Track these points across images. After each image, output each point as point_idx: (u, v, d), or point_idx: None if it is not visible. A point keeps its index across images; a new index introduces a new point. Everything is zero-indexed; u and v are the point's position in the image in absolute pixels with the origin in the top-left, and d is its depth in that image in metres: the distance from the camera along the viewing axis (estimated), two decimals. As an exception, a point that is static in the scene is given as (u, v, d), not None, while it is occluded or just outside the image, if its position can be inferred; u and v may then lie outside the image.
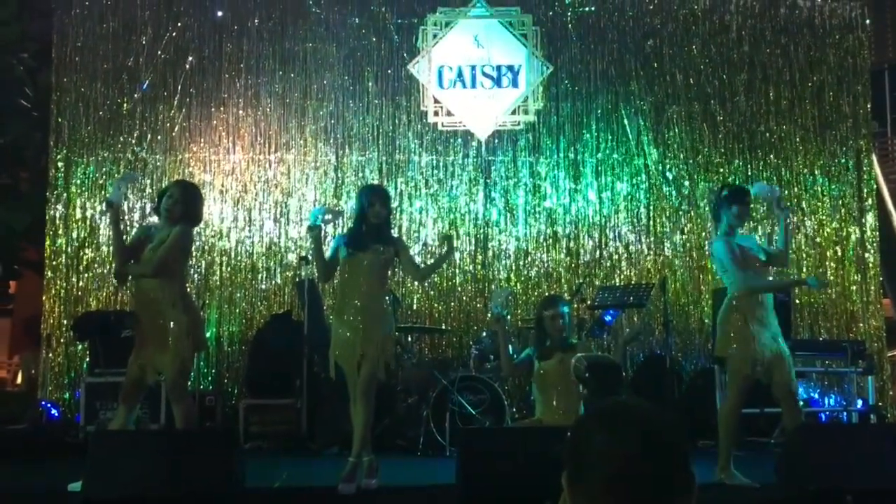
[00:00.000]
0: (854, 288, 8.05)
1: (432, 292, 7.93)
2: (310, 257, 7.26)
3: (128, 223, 7.60)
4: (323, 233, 5.31)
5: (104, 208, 5.47)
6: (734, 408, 4.87)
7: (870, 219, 8.17)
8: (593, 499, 1.29)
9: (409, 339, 7.25)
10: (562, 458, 1.34)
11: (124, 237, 4.87)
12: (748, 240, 5.07)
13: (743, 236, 5.05)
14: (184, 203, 4.70)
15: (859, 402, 7.03)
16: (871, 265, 8.12)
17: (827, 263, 8.00)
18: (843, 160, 8.21)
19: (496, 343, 5.44)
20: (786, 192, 8.07)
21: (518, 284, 7.91)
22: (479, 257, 7.99)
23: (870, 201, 8.21)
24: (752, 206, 4.97)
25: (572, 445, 1.33)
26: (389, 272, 5.22)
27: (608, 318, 6.75)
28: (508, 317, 5.53)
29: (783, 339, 4.89)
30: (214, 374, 7.68)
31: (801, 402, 6.63)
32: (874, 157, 8.68)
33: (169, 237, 4.59)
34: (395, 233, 5.53)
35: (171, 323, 4.56)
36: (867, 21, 8.38)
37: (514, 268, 7.99)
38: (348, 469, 4.63)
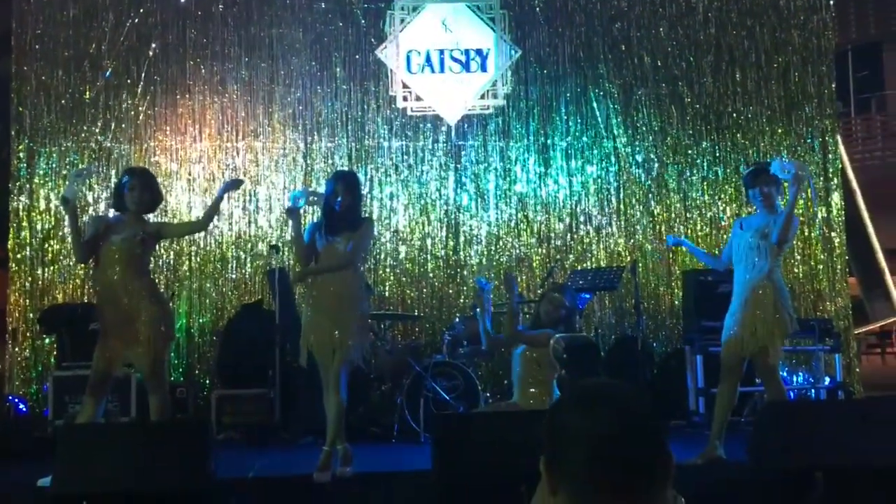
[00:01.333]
0: (821, 267, 8.15)
1: (404, 279, 7.91)
2: (280, 245, 7.23)
3: (92, 213, 7.50)
4: (302, 215, 5.25)
5: (60, 204, 5.38)
6: None
7: (835, 198, 8.27)
8: (572, 481, 1.28)
9: (382, 326, 7.22)
10: (541, 441, 1.34)
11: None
12: (758, 218, 5.03)
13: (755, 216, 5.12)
14: (147, 189, 4.69)
15: (827, 380, 7.14)
16: (836, 245, 8.22)
17: (794, 243, 8.08)
18: (808, 140, 8.29)
19: (480, 314, 5.43)
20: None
21: (490, 270, 7.91)
22: (451, 243, 7.97)
23: (835, 181, 8.31)
24: (772, 184, 4.92)
25: (549, 428, 1.33)
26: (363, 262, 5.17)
27: (580, 302, 6.78)
28: (490, 289, 5.53)
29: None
30: (185, 366, 7.60)
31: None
32: (839, 138, 8.78)
33: (178, 226, 4.60)
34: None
35: (143, 315, 4.51)
36: (831, 2, 8.45)
37: (485, 253, 7.99)
38: (323, 458, 4.62)
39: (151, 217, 4.96)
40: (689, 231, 8.09)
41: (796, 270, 8.09)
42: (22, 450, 5.89)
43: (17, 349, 7.44)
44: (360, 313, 4.82)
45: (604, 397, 1.33)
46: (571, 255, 7.99)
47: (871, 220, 12.99)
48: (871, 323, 13.46)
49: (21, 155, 7.65)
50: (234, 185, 5.12)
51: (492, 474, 3.77)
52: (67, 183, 4.89)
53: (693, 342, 6.75)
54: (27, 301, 7.51)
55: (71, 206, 4.65)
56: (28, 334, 7.47)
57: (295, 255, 5.31)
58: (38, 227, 7.60)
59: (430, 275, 7.92)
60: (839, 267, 8.18)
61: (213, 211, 4.94)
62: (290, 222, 4.99)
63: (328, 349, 4.68)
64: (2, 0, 8.14)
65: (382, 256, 7.87)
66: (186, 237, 7.51)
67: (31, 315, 7.43)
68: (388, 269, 7.88)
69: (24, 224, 7.59)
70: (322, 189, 5.40)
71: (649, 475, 1.29)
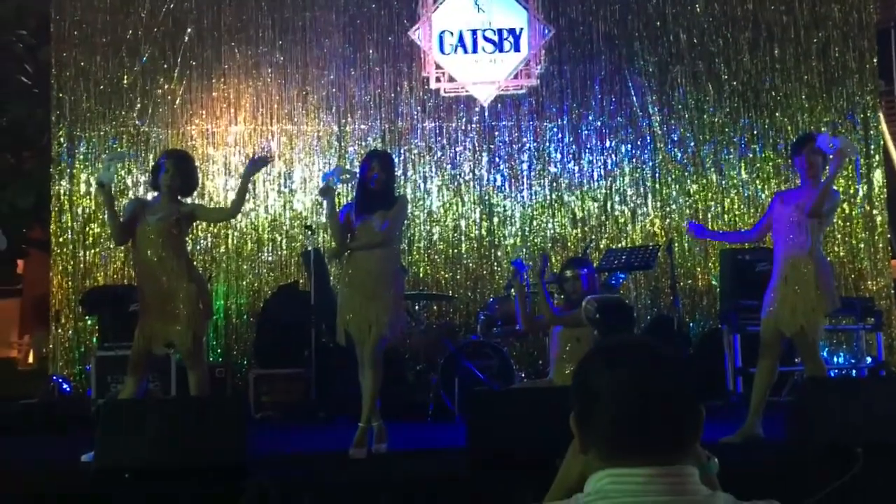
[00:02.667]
0: (861, 246, 8.00)
1: (438, 260, 7.92)
2: (315, 227, 7.28)
3: (131, 197, 7.61)
4: (336, 195, 5.27)
5: (96, 187, 5.45)
6: None
7: (877, 175, 8.11)
8: (601, 436, 1.28)
9: (417, 306, 7.25)
10: (570, 397, 1.34)
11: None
12: (799, 192, 4.95)
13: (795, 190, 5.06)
14: (180, 174, 4.74)
15: (868, 360, 7.03)
16: (878, 223, 8.07)
17: (834, 221, 7.93)
18: (849, 117, 8.12)
19: (518, 296, 5.49)
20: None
21: (525, 250, 7.89)
22: (485, 223, 7.96)
23: (877, 158, 8.15)
24: (818, 153, 4.83)
25: (579, 384, 1.32)
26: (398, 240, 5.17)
27: (615, 281, 6.74)
28: (526, 270, 5.58)
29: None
30: (223, 347, 7.71)
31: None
32: (881, 114, 8.60)
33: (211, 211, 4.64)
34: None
35: (181, 293, 4.59)
36: (872, -26, 8.26)
37: (519, 233, 7.97)
38: (358, 434, 4.66)
39: (189, 199, 5.03)
40: (727, 210, 7.99)
41: (837, 249, 7.95)
42: (67, 428, 6.04)
43: (60, 331, 7.60)
44: (395, 291, 4.84)
45: (632, 351, 1.33)
46: (606, 236, 7.93)
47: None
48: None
49: (61, 140, 7.78)
50: (260, 164, 5.09)
51: (526, 449, 3.78)
52: (102, 167, 4.96)
53: (730, 321, 6.68)
54: (69, 283, 7.66)
55: (106, 189, 4.72)
56: (71, 316, 7.62)
57: (331, 233, 5.34)
58: (80, 210, 7.74)
59: (464, 256, 7.93)
60: (881, 245, 8.03)
61: (241, 196, 4.91)
62: (325, 202, 5.01)
63: (364, 326, 4.71)
64: (40, -13, 8.28)
65: (416, 238, 7.88)
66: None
67: (73, 297, 7.58)
68: (422, 251, 7.89)
69: (66, 208, 7.73)
70: (355, 169, 5.43)
71: (679, 429, 1.29)
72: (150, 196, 5.33)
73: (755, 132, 8.08)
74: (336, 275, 6.89)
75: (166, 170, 4.72)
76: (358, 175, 4.93)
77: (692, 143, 8.08)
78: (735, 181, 8.06)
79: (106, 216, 5.12)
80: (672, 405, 1.27)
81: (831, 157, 4.75)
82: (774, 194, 5.61)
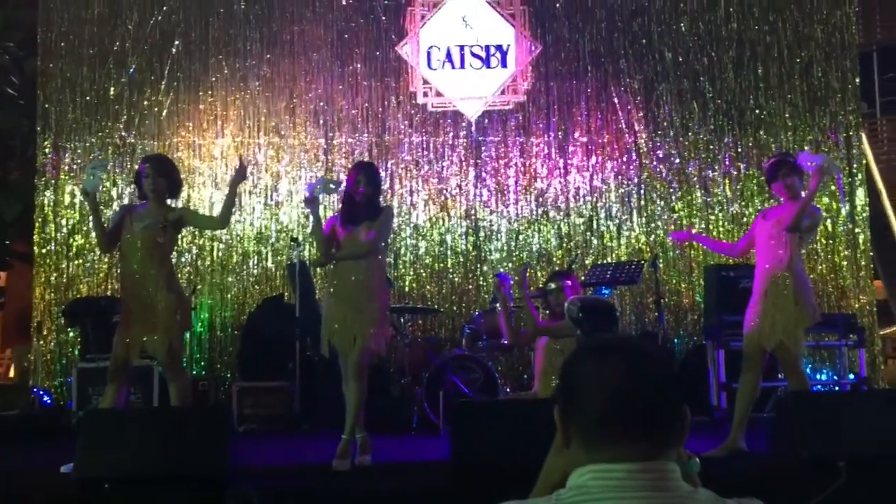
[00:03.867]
0: (844, 264, 8.07)
1: (424, 274, 7.92)
2: (301, 239, 7.27)
3: (116, 208, 7.59)
4: (321, 206, 5.28)
5: (81, 197, 5.42)
6: None
7: (860, 194, 8.18)
8: (585, 431, 1.28)
9: (402, 320, 7.22)
10: (555, 394, 1.34)
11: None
12: (781, 208, 5.00)
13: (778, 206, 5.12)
14: (163, 175, 4.71)
15: (851, 376, 7.07)
16: (860, 241, 8.13)
17: (817, 239, 8.00)
18: (832, 136, 8.21)
19: (503, 309, 5.50)
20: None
21: (510, 264, 7.91)
22: (471, 238, 7.98)
23: (860, 176, 8.23)
24: (794, 174, 4.89)
25: (564, 379, 1.33)
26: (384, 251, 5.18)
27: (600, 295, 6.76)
28: (511, 283, 5.60)
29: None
30: (207, 360, 7.66)
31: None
32: (863, 134, 8.69)
33: (200, 217, 4.61)
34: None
35: (159, 304, 4.56)
36: (854, -3, 8.37)
37: (505, 248, 7.98)
38: (342, 446, 4.64)
39: (179, 204, 5.02)
40: (712, 227, 8.05)
41: (820, 267, 8.01)
42: (46, 440, 5.98)
43: (41, 342, 7.54)
44: (381, 302, 4.83)
45: (618, 348, 1.33)
46: (592, 251, 7.96)
47: (896, 220, 12.83)
48: (896, 324, 13.27)
49: (46, 151, 7.76)
50: (242, 174, 5.05)
51: (510, 462, 3.76)
52: (85, 176, 4.95)
53: (715, 337, 6.70)
54: (52, 295, 7.61)
55: (91, 198, 4.70)
56: (53, 328, 7.56)
57: (315, 245, 5.34)
58: (63, 221, 7.69)
59: (450, 270, 7.93)
60: (863, 263, 8.09)
61: (228, 206, 4.91)
62: (310, 212, 5.00)
63: (349, 338, 4.69)
64: (28, 1, 8.27)
65: (402, 251, 7.89)
66: (208, 232, 7.60)
67: (55, 309, 7.52)
68: (407, 265, 7.90)
69: (50, 219, 7.69)
70: (341, 180, 5.43)
71: (662, 426, 1.29)
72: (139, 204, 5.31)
73: (739, 150, 8.15)
74: (321, 287, 6.89)
75: (147, 175, 4.71)
76: (343, 186, 4.93)
77: (677, 161, 8.14)
78: (720, 198, 8.12)
79: (92, 224, 5.08)
80: (656, 401, 1.28)
81: (810, 174, 4.80)
82: (759, 211, 5.66)
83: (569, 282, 5.66)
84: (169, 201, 4.84)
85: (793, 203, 4.84)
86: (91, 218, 5.01)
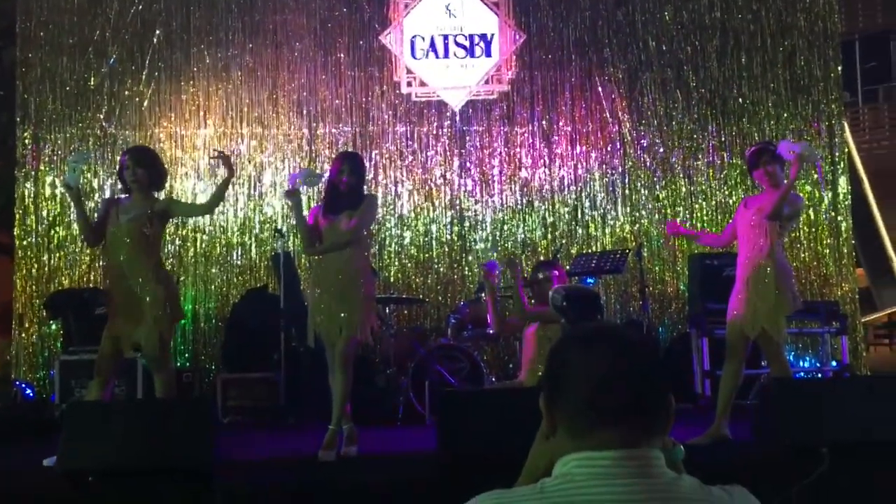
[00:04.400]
0: (827, 251, 8.12)
1: (409, 264, 7.91)
2: (285, 230, 7.24)
3: (97, 200, 7.54)
4: (303, 197, 5.25)
5: (63, 189, 5.36)
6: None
7: (842, 182, 8.23)
8: (571, 418, 1.28)
9: (387, 310, 7.21)
10: (541, 382, 1.34)
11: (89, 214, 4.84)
12: (762, 197, 5.02)
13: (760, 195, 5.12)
14: (143, 166, 4.67)
15: (833, 363, 7.12)
16: (843, 229, 8.18)
17: (800, 227, 8.05)
18: (814, 124, 8.25)
19: (490, 297, 5.50)
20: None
21: (494, 255, 7.89)
22: (456, 228, 7.97)
23: (842, 165, 8.27)
24: (775, 162, 4.91)
25: (550, 367, 1.32)
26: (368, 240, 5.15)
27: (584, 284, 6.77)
28: (498, 272, 5.60)
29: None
30: (191, 351, 7.62)
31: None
32: (846, 123, 8.73)
33: (186, 206, 4.87)
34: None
35: (147, 296, 4.53)
36: (837, -16, 8.41)
37: (490, 238, 7.98)
38: (328, 437, 4.63)
39: (163, 195, 4.99)
40: (695, 215, 8.08)
41: (803, 255, 8.06)
42: (29, 433, 5.93)
43: (23, 335, 7.48)
44: (365, 291, 4.81)
45: (604, 335, 1.33)
46: (577, 240, 7.97)
47: (878, 209, 12.94)
48: (879, 311, 13.40)
49: (26, 142, 7.67)
50: (230, 172, 4.99)
51: (497, 451, 3.77)
52: (67, 168, 4.90)
53: (698, 325, 6.73)
54: (33, 287, 7.54)
55: (74, 191, 4.66)
56: (34, 320, 7.50)
57: (299, 236, 5.30)
58: (44, 213, 7.62)
59: (436, 260, 7.92)
60: (846, 251, 8.14)
61: (217, 199, 4.92)
62: (291, 203, 4.97)
63: (334, 328, 4.68)
64: (6, -9, 8.17)
65: (387, 242, 7.87)
66: (192, 222, 7.56)
67: (37, 301, 7.46)
68: (392, 255, 7.88)
69: (31, 210, 7.61)
70: (324, 171, 5.41)
71: (647, 414, 1.29)
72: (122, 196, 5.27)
73: (723, 139, 8.18)
74: (306, 278, 6.87)
75: (128, 166, 4.67)
76: (327, 176, 4.91)
77: (661, 150, 8.15)
78: (703, 187, 8.15)
79: (75, 217, 5.04)
80: (641, 389, 1.28)
81: (791, 162, 4.83)
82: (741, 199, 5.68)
83: (555, 271, 5.67)
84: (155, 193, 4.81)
85: (773, 191, 4.86)
86: (74, 211, 4.95)
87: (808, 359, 7.84)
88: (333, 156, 7.65)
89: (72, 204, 5.31)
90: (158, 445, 3.87)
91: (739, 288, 4.89)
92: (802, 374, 7.60)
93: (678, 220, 8.01)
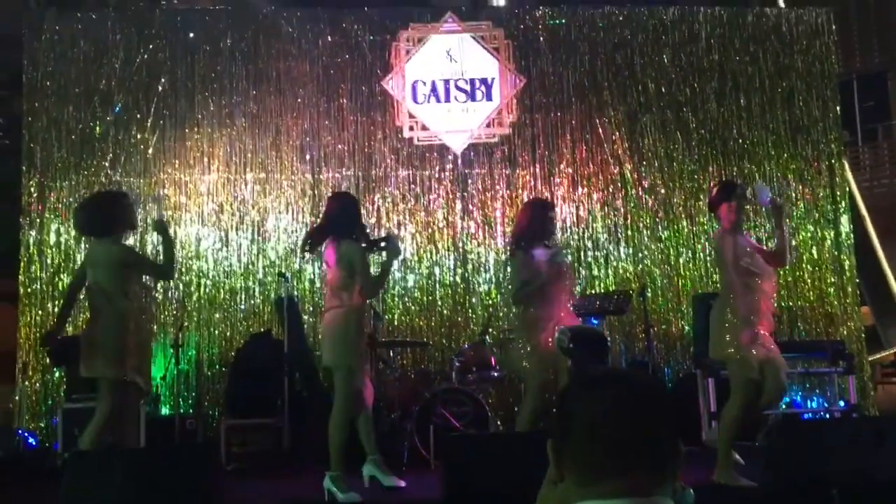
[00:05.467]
0: (832, 290, 8.11)
1: (413, 307, 7.89)
2: (288, 275, 7.25)
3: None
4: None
5: (155, 230, 5.46)
6: (740, 409, 4.84)
7: (844, 221, 8.25)
8: (578, 465, 1.27)
9: (391, 353, 7.19)
10: (549, 426, 1.33)
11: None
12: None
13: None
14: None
15: (841, 403, 7.06)
16: (846, 268, 8.18)
17: (804, 266, 8.05)
18: (815, 164, 8.29)
19: None
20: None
21: (498, 297, 7.90)
22: (459, 270, 7.97)
23: (843, 204, 8.30)
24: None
25: (558, 412, 1.31)
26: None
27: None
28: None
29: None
30: (195, 397, 7.58)
31: (784, 405, 6.68)
32: (846, 162, 8.78)
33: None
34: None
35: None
36: (833, 27, 8.50)
37: (493, 280, 7.98)
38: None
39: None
40: (697, 256, 8.08)
41: (808, 293, 8.04)
42: (31, 482, 5.88)
43: (27, 383, 7.44)
44: None
45: (611, 379, 1.32)
46: (580, 281, 7.96)
47: (881, 246, 12.92)
48: (885, 349, 13.30)
49: (32, 190, 7.72)
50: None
51: (504, 496, 3.72)
52: (155, 221, 5.27)
53: (704, 366, 6.69)
54: (37, 335, 7.51)
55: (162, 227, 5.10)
56: (38, 368, 7.46)
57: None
58: (49, 261, 7.64)
59: (439, 303, 7.91)
60: (850, 289, 8.13)
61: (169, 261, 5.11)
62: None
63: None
64: (13, 41, 8.28)
65: (391, 285, 7.86)
66: (195, 267, 7.59)
67: (40, 349, 7.43)
68: (396, 298, 7.87)
69: (35, 258, 7.63)
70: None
71: (656, 459, 1.27)
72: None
73: (724, 179, 8.20)
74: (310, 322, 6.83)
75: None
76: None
77: (662, 191, 8.19)
78: (706, 227, 8.16)
79: (163, 251, 5.14)
80: (650, 434, 1.27)
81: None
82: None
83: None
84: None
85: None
86: (165, 246, 5.09)
87: (815, 398, 7.78)
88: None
89: (161, 240, 5.42)
90: (160, 493, 3.84)
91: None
92: (810, 414, 7.54)
93: (681, 259, 8.03)
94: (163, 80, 7.92)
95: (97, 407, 4.70)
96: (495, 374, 6.59)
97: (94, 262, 4.83)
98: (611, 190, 8.17)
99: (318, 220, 5.14)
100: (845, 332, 7.94)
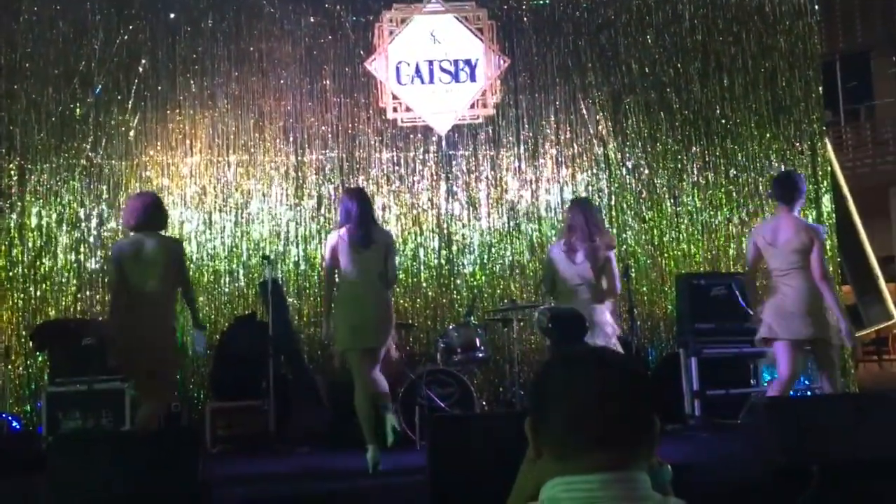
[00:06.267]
0: (813, 269, 8.14)
1: (397, 289, 7.88)
2: (272, 257, 7.24)
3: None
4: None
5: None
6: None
7: (825, 201, 8.30)
8: (556, 440, 1.28)
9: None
10: (527, 405, 1.34)
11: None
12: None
13: None
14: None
15: (823, 381, 7.12)
16: (828, 248, 8.22)
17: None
18: (797, 144, 8.33)
19: None
20: (743, 176, 8.20)
21: (483, 278, 7.92)
22: (444, 252, 7.98)
23: (825, 184, 8.35)
24: None
25: (535, 390, 1.33)
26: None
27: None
28: None
29: None
30: (180, 381, 7.54)
31: (766, 383, 6.75)
32: (828, 141, 8.82)
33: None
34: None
35: None
36: (816, 7, 8.52)
37: (478, 262, 7.99)
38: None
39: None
40: (681, 236, 8.12)
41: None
42: (15, 466, 5.85)
43: (10, 367, 7.40)
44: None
45: (588, 358, 1.34)
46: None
47: (863, 226, 13.03)
48: (865, 328, 13.44)
49: (12, 173, 7.64)
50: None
51: (488, 475, 3.74)
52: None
53: (687, 345, 6.75)
54: (20, 318, 7.48)
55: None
56: (21, 352, 7.43)
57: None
58: (30, 244, 7.58)
59: (424, 284, 7.92)
60: (831, 268, 8.16)
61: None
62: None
63: None
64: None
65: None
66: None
67: (23, 332, 7.39)
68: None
69: (16, 242, 7.57)
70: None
71: (632, 435, 1.29)
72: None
73: (707, 160, 8.24)
74: (294, 304, 6.80)
75: None
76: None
77: (646, 171, 8.21)
78: (689, 208, 8.20)
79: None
80: (625, 411, 1.28)
81: None
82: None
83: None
84: None
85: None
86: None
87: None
88: (320, 182, 7.74)
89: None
90: (145, 476, 3.84)
91: None
92: (792, 392, 7.60)
93: (665, 238, 8.05)
94: (143, 61, 7.84)
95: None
96: (480, 355, 6.62)
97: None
98: (595, 170, 8.18)
99: (359, 218, 5.49)
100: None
